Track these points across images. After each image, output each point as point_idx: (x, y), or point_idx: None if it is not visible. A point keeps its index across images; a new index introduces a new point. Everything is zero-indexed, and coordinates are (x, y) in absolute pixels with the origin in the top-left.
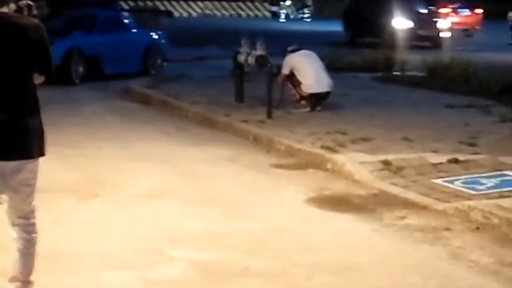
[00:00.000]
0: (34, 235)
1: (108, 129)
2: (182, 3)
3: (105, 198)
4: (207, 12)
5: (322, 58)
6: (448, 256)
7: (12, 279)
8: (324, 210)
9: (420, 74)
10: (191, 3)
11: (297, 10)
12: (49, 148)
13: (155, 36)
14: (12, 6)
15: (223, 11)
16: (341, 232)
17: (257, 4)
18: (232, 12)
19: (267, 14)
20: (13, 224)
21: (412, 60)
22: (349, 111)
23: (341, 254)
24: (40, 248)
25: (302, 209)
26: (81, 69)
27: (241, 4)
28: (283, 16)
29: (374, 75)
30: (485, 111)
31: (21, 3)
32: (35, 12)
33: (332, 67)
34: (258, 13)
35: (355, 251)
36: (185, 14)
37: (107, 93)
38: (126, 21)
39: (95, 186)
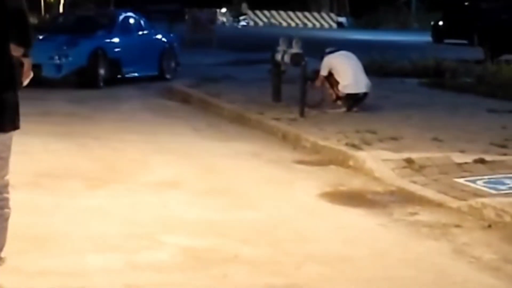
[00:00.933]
0: (6, 210)
1: (139, 124)
2: (249, 12)
3: (115, 186)
4: (273, 21)
5: (370, 64)
6: (451, 251)
7: None
8: (334, 204)
9: (469, 80)
10: (258, 12)
11: (233, 17)
12: (75, 139)
13: (167, 39)
14: None
15: (289, 21)
16: (345, 225)
17: (323, 14)
18: (298, 22)
19: (333, 24)
20: None
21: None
22: (386, 113)
23: (338, 246)
24: (34, 229)
25: (311, 203)
26: (103, 71)
27: (307, 14)
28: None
29: (421, 81)
30: None
31: None
32: None
33: (380, 73)
34: (325, 24)
35: (354, 244)
36: (251, 23)
37: (148, 92)
38: (141, 22)
39: (108, 174)
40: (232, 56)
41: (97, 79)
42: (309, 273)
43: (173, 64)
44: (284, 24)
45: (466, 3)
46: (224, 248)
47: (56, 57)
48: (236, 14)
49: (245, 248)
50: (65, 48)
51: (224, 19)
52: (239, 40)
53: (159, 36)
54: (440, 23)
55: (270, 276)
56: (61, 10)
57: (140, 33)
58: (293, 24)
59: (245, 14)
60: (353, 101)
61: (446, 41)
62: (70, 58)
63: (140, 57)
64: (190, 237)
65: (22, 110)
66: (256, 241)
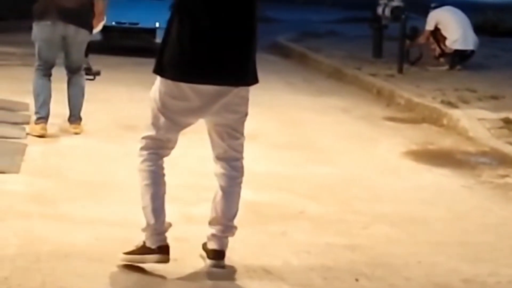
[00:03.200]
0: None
1: None
2: None
3: (190, 136)
4: None
5: (483, 22)
6: None
7: (213, 222)
8: (419, 163)
9: None
10: None
11: None
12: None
13: None
14: None
15: None
16: (426, 186)
17: None
18: None
19: None
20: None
21: None
22: (492, 72)
23: (413, 207)
24: (93, 177)
25: (393, 161)
26: None
27: None
28: None
29: None
30: None
31: None
32: None
33: (493, 32)
34: None
35: (431, 205)
36: None
37: None
38: None
39: None
40: (343, 14)
41: None
42: (376, 234)
43: None
44: None
45: None
46: (289, 204)
47: None
48: None
49: (312, 205)
50: None
51: None
52: None
53: None
54: None
55: (333, 235)
56: None
57: None
58: None
59: None
60: (459, 58)
61: None
62: None
63: None
64: (255, 191)
65: None
66: (325, 198)
